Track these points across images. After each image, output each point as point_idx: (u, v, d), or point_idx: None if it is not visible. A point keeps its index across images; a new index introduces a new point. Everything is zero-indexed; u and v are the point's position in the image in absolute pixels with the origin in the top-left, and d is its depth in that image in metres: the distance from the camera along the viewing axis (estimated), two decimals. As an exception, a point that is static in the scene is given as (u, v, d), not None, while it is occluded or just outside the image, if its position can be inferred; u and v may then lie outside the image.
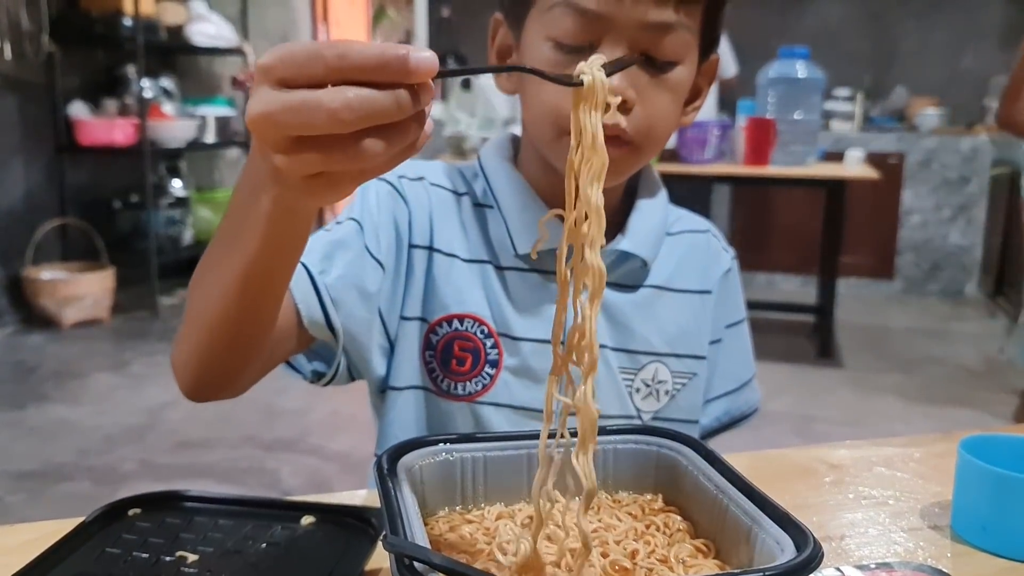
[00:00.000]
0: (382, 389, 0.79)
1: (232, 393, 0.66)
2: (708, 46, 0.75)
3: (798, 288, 4.90)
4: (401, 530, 0.47)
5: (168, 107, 4.26)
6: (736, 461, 0.59)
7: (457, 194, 0.80)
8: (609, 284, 0.79)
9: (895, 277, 4.90)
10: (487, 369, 0.76)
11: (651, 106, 0.69)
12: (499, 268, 0.78)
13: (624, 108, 0.68)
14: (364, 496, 0.71)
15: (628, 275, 0.80)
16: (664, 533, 0.58)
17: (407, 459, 0.57)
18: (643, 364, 0.81)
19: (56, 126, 3.94)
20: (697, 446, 0.61)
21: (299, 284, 0.70)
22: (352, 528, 0.63)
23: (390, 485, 0.53)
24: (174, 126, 4.17)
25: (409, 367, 0.77)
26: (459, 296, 0.76)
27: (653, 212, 0.82)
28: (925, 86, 5.22)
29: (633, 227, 0.79)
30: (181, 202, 4.39)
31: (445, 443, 0.60)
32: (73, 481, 2.38)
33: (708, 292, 0.86)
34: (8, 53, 3.62)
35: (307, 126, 0.38)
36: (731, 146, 3.54)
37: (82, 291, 3.80)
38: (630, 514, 0.60)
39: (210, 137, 4.54)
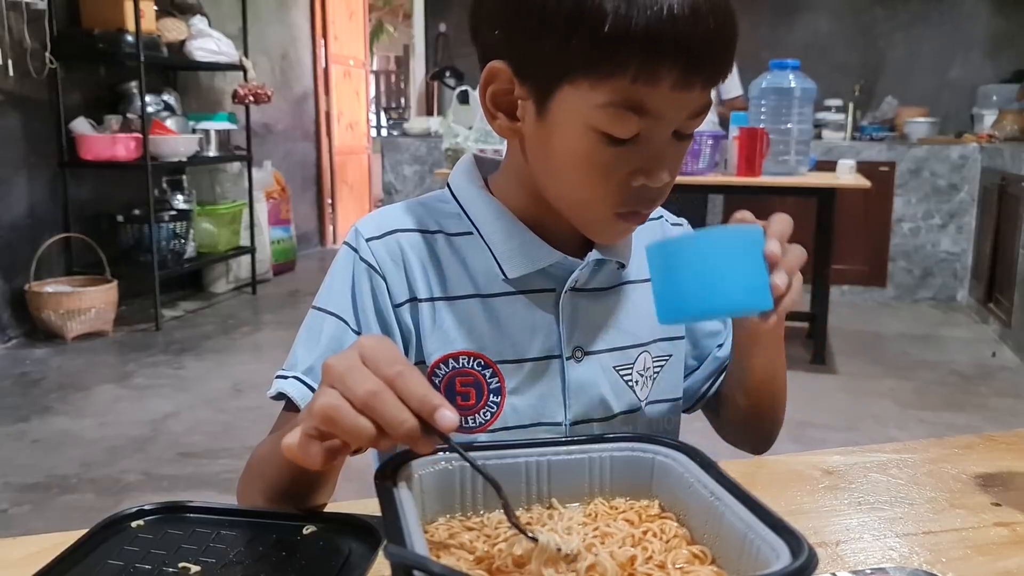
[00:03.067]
0: None
1: None
2: None
3: (792, 296, 4.94)
4: (402, 539, 0.48)
5: (170, 122, 4.29)
6: (731, 468, 0.59)
7: (428, 232, 0.80)
8: (592, 289, 0.82)
9: (887, 284, 4.94)
10: (492, 399, 0.78)
11: (676, 172, 0.73)
12: (485, 297, 0.79)
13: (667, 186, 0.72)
14: (364, 505, 0.71)
15: (607, 278, 0.83)
16: (661, 539, 0.58)
17: (407, 468, 0.58)
18: (635, 357, 0.84)
19: (59, 142, 3.98)
20: (693, 453, 0.62)
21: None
22: (353, 537, 0.63)
23: (391, 494, 0.53)
24: (176, 141, 4.21)
25: None
26: (448, 337, 0.77)
27: None
28: (914, 96, 5.27)
29: None
30: (183, 216, 4.42)
31: (444, 452, 0.61)
32: (76, 492, 2.40)
33: None
34: (11, 70, 3.66)
35: (346, 388, 0.52)
36: (724, 156, 3.58)
37: (85, 304, 3.83)
38: (627, 520, 0.60)
39: (212, 151, 4.57)
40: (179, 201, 4.48)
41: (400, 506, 0.52)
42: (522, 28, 0.68)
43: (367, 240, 0.79)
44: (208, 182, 4.88)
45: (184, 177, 4.66)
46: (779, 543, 0.49)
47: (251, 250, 4.99)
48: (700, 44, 0.64)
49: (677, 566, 0.55)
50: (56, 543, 0.61)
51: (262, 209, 5.22)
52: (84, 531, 0.63)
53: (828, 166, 3.93)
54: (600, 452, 0.65)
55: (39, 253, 3.82)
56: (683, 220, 0.94)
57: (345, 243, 0.81)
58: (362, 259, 0.78)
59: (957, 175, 4.76)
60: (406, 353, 0.79)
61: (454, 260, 0.79)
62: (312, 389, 0.75)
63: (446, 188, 0.83)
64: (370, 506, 0.69)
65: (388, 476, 0.56)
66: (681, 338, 0.89)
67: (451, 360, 0.78)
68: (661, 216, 0.92)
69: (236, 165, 4.94)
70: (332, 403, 0.51)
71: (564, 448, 0.64)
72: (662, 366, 0.87)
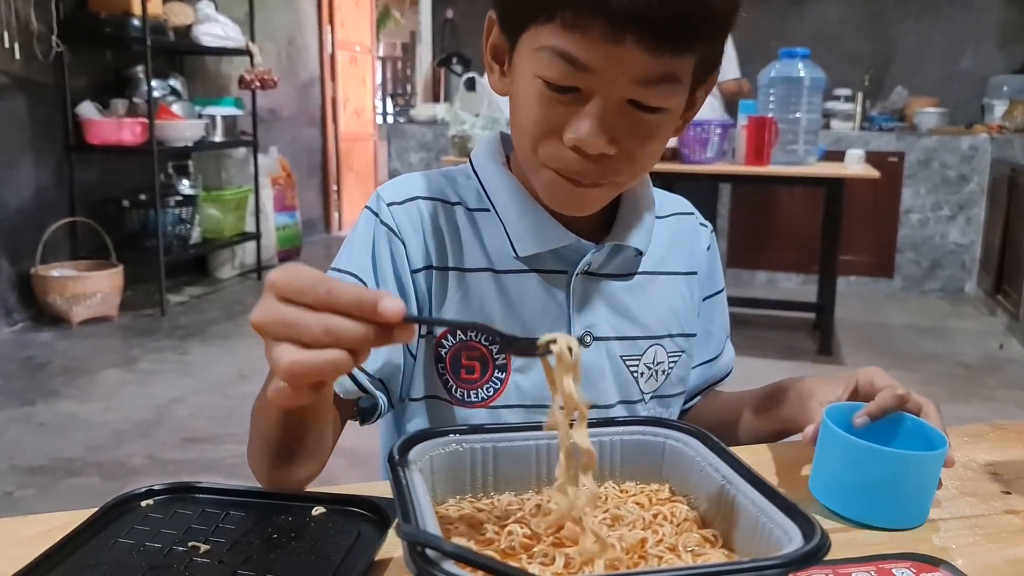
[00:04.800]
0: (400, 399, 0.82)
1: (307, 480, 0.73)
2: (706, 72, 0.73)
3: (799, 286, 4.92)
4: (413, 519, 0.48)
5: (176, 107, 4.29)
6: (743, 452, 0.60)
7: (448, 203, 0.80)
8: (606, 275, 0.82)
9: (895, 275, 4.92)
10: (497, 374, 0.78)
11: (633, 153, 0.70)
12: (497, 272, 0.79)
13: (603, 159, 0.69)
14: (373, 488, 0.72)
15: (623, 264, 0.82)
16: (672, 522, 0.58)
17: (418, 449, 0.59)
18: (644, 349, 0.83)
19: (65, 126, 3.97)
20: (704, 437, 0.62)
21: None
22: (363, 518, 0.63)
23: (402, 474, 0.54)
24: (182, 126, 4.20)
25: (425, 379, 0.80)
26: (459, 308, 0.78)
27: (642, 200, 0.83)
28: (924, 86, 5.24)
29: (624, 219, 0.81)
30: (189, 201, 4.42)
31: (455, 434, 0.61)
32: (82, 476, 2.41)
33: (695, 273, 0.89)
34: (18, 54, 3.65)
35: (293, 339, 0.49)
36: (732, 145, 3.56)
37: (91, 289, 3.84)
38: (637, 504, 0.61)
39: (218, 136, 4.57)
40: (185, 186, 4.48)
41: (412, 487, 0.52)
42: None
43: (388, 205, 0.79)
44: (214, 167, 4.88)
45: (190, 162, 4.66)
46: (791, 526, 0.48)
47: (256, 236, 4.99)
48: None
49: (688, 549, 0.54)
50: (65, 522, 0.62)
51: (268, 195, 5.22)
52: (93, 511, 0.63)
53: (837, 156, 3.90)
54: (611, 436, 0.65)
55: (45, 237, 3.82)
56: (709, 224, 0.94)
57: (366, 208, 0.81)
58: (383, 223, 0.78)
59: (967, 166, 4.73)
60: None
61: (471, 233, 0.80)
62: None
63: (469, 163, 0.84)
64: (378, 489, 0.70)
65: (399, 457, 0.57)
66: (694, 335, 0.89)
67: (460, 332, 0.78)
68: (692, 212, 0.92)
69: (242, 151, 4.94)
70: (291, 359, 0.48)
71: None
72: (676, 361, 0.86)
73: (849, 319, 4.15)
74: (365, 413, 0.80)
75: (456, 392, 0.79)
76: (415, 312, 0.78)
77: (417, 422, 0.81)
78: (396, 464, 0.55)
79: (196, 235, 4.53)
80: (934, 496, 0.69)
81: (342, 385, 0.75)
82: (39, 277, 3.78)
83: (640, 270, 0.83)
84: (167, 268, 4.14)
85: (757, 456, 0.79)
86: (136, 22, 3.91)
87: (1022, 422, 0.91)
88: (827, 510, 0.68)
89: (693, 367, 0.91)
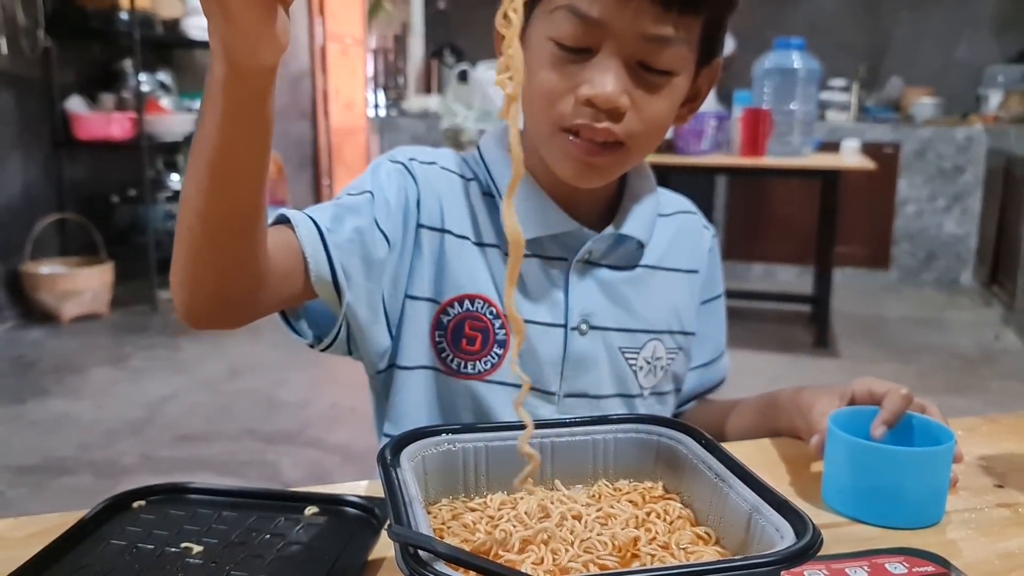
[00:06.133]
0: (387, 367, 0.81)
1: (231, 319, 0.66)
2: (710, 52, 0.76)
3: (795, 278, 4.92)
4: (405, 519, 0.48)
5: (165, 101, 4.26)
6: (736, 449, 0.59)
7: (466, 179, 0.82)
8: (607, 265, 0.82)
9: (891, 266, 4.93)
10: (496, 349, 0.78)
11: (644, 112, 0.71)
12: (506, 253, 0.78)
13: (616, 114, 0.70)
14: (366, 486, 0.72)
15: (624, 256, 0.83)
16: (664, 520, 0.58)
17: (410, 449, 0.58)
18: (644, 343, 0.84)
19: (53, 121, 3.94)
20: (697, 435, 0.62)
21: (308, 238, 0.71)
22: (356, 518, 0.64)
23: (394, 475, 0.53)
24: (171, 120, 4.17)
25: (418, 347, 0.79)
26: (471, 277, 0.78)
27: (645, 194, 0.84)
28: (920, 76, 5.24)
29: (627, 210, 0.82)
30: (179, 196, 4.39)
31: (447, 433, 0.61)
32: (74, 475, 2.39)
33: (696, 272, 0.89)
34: (4, 48, 3.61)
35: None
36: (727, 137, 3.55)
37: (81, 286, 3.81)
38: (631, 502, 0.61)
39: (207, 131, 4.54)
40: (175, 181, 4.45)
41: (403, 487, 0.52)
42: None
43: (411, 159, 0.80)
44: (205, 163, 4.84)
45: (180, 157, 4.62)
46: (783, 523, 0.49)
47: (249, 231, 4.96)
48: None
49: (681, 547, 0.54)
50: (57, 524, 0.62)
51: (259, 190, 5.19)
52: (86, 511, 0.63)
53: (832, 147, 3.89)
54: (604, 434, 0.65)
55: (34, 234, 3.79)
56: (712, 227, 0.95)
57: (386, 158, 0.81)
58: (405, 167, 0.79)
59: (962, 157, 4.73)
60: (409, 279, 0.78)
61: (485, 211, 0.81)
62: (317, 227, 0.72)
63: (476, 150, 0.84)
64: (371, 488, 0.71)
65: (391, 457, 0.56)
66: (693, 334, 0.89)
67: (466, 301, 0.78)
68: (695, 212, 0.93)
69: (233, 145, 4.90)
70: None
71: (567, 429, 0.64)
72: (673, 358, 0.86)
73: (845, 311, 4.15)
74: (313, 319, 0.77)
75: (452, 362, 0.79)
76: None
77: (404, 395, 0.80)
78: (388, 464, 0.55)
79: (187, 231, 4.50)
80: (947, 492, 0.69)
81: (314, 257, 0.71)
82: (28, 274, 3.75)
83: (642, 263, 0.84)
84: (158, 264, 4.10)
85: (750, 452, 0.79)
86: (124, 15, 3.88)
87: (1015, 415, 0.91)
88: (842, 515, 0.68)
89: (690, 369, 0.91)
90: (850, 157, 3.64)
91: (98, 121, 3.95)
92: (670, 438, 0.63)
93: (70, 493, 2.27)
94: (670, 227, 0.88)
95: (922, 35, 5.30)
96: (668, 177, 4.69)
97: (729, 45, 4.47)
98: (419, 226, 0.78)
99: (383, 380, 0.82)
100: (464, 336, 0.78)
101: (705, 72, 0.77)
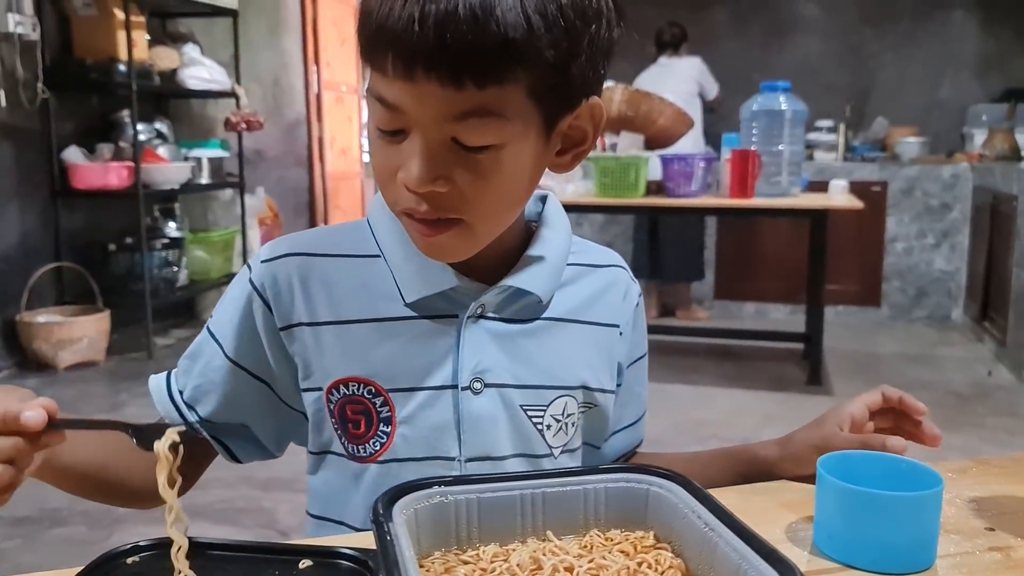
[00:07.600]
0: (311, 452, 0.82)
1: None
2: (567, 99, 0.67)
3: (786, 316, 4.94)
4: (398, 574, 0.49)
5: (162, 150, 4.29)
6: (725, 496, 0.60)
7: (330, 256, 0.79)
8: (503, 319, 0.78)
9: (882, 304, 4.95)
10: (382, 428, 0.76)
11: (472, 188, 0.66)
12: (382, 321, 0.77)
13: (433, 197, 0.66)
14: (360, 539, 0.71)
15: (523, 310, 0.79)
16: (656, 571, 0.58)
17: (402, 503, 0.59)
18: (551, 399, 0.79)
19: (51, 171, 3.97)
20: (687, 483, 0.62)
21: (168, 411, 0.82)
22: (349, 571, 0.63)
23: (386, 530, 0.54)
24: (168, 168, 4.20)
25: (322, 434, 0.79)
26: (339, 362, 0.76)
27: (552, 246, 0.79)
28: (905, 116, 5.32)
29: (526, 264, 0.77)
30: (175, 243, 4.41)
31: (439, 485, 0.61)
32: (68, 525, 2.35)
33: (615, 326, 0.85)
34: (3, 100, 3.66)
35: None
36: (716, 178, 3.59)
37: (77, 334, 3.81)
38: (622, 552, 0.61)
39: (204, 179, 4.57)
40: (171, 229, 4.47)
41: (396, 540, 0.53)
42: None
43: (261, 262, 0.80)
44: (200, 209, 4.88)
45: (176, 205, 4.65)
46: (771, 573, 0.49)
47: (244, 277, 4.97)
48: (405, 28, 0.60)
49: None
50: None
51: (255, 236, 5.21)
52: (78, 569, 0.62)
53: (821, 187, 3.94)
54: (595, 484, 0.65)
55: (31, 283, 3.80)
56: (637, 283, 0.90)
57: (246, 263, 0.85)
58: (251, 281, 0.79)
59: (949, 194, 4.79)
60: (294, 375, 0.79)
61: (354, 284, 0.78)
62: (171, 397, 0.82)
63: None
64: (366, 540, 0.69)
65: (383, 511, 0.57)
66: (612, 392, 0.84)
67: (342, 386, 0.76)
68: (623, 265, 0.89)
69: (228, 192, 4.94)
70: None
71: (558, 480, 0.65)
72: (584, 412, 0.82)
73: (838, 348, 4.16)
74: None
75: (348, 447, 0.78)
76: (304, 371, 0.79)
77: (321, 476, 0.82)
78: (380, 519, 0.56)
79: (183, 277, 4.51)
80: (938, 536, 0.68)
81: (166, 410, 0.82)
82: (24, 324, 3.75)
83: (546, 316, 0.80)
84: (154, 311, 4.11)
85: (740, 499, 0.77)
86: (122, 67, 3.93)
87: (1005, 457, 0.91)
88: (835, 561, 0.68)
89: (617, 431, 0.88)
90: (838, 196, 3.68)
91: (95, 171, 3.98)
92: (660, 487, 0.64)
93: (64, 544, 2.23)
94: (600, 280, 0.84)
95: (906, 76, 5.40)
96: (659, 218, 4.74)
97: (715, 88, 4.56)
98: (281, 329, 0.77)
99: (309, 465, 0.84)
100: (348, 421, 0.77)
101: (581, 112, 0.69)
